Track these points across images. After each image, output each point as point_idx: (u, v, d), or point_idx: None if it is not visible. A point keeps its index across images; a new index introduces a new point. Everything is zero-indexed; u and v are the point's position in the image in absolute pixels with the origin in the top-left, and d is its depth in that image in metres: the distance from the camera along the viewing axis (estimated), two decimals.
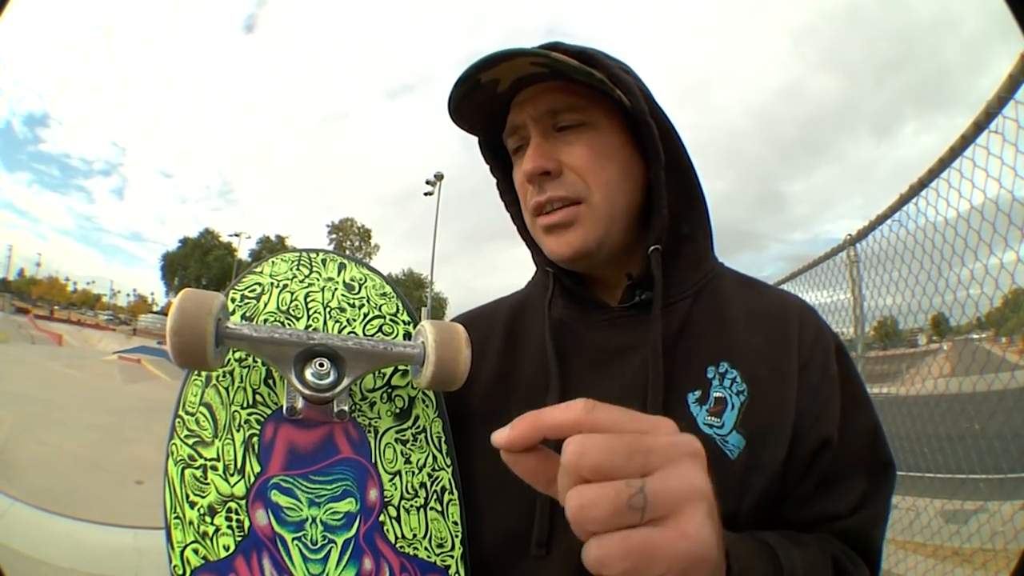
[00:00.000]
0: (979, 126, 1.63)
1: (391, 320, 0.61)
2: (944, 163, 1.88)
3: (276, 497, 0.51)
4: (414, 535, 0.54)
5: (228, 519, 0.50)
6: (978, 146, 1.68)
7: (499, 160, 0.70)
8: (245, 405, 0.53)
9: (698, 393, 0.57)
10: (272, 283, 0.59)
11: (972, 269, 1.86)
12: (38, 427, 6.99)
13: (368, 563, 0.51)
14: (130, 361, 15.58)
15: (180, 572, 0.48)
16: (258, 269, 0.61)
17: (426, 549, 0.54)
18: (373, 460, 0.55)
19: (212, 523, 0.50)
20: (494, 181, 0.71)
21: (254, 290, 0.59)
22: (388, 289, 0.63)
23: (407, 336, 0.61)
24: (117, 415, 8.47)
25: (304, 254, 0.63)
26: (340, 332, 0.58)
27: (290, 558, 0.50)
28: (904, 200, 2.23)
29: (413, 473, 0.56)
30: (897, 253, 2.35)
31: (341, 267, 0.63)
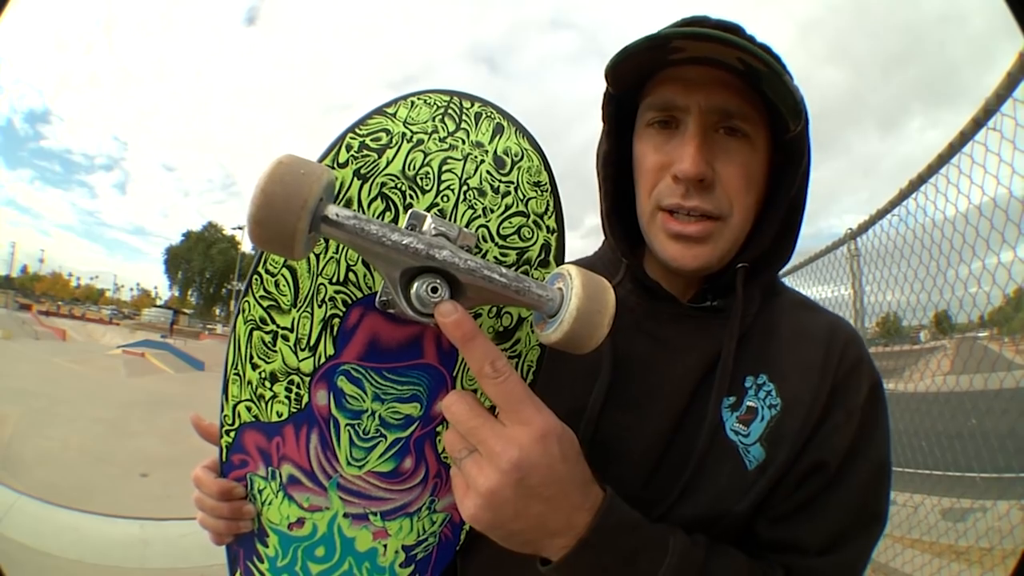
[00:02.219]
0: (978, 123, 1.63)
1: (535, 222, 0.49)
2: (943, 159, 1.88)
3: (342, 383, 0.48)
4: None
5: (288, 390, 0.48)
6: (977, 143, 1.68)
7: (616, 121, 0.61)
8: (334, 281, 0.47)
9: (732, 399, 0.57)
10: (404, 133, 0.48)
11: (971, 267, 1.86)
12: (43, 422, 7.06)
13: (408, 462, 0.50)
14: (134, 355, 15.67)
15: (230, 422, 0.49)
16: (391, 110, 0.48)
17: None
18: (455, 373, 0.50)
19: (271, 389, 0.48)
20: (595, 143, 0.63)
21: (379, 139, 0.47)
22: (544, 178, 0.50)
23: (545, 247, 0.50)
24: (122, 409, 8.54)
25: (455, 100, 0.49)
26: (471, 224, 0.48)
27: (338, 440, 0.49)
28: (904, 195, 2.22)
29: None
30: (897, 248, 2.35)
31: (498, 130, 0.49)
